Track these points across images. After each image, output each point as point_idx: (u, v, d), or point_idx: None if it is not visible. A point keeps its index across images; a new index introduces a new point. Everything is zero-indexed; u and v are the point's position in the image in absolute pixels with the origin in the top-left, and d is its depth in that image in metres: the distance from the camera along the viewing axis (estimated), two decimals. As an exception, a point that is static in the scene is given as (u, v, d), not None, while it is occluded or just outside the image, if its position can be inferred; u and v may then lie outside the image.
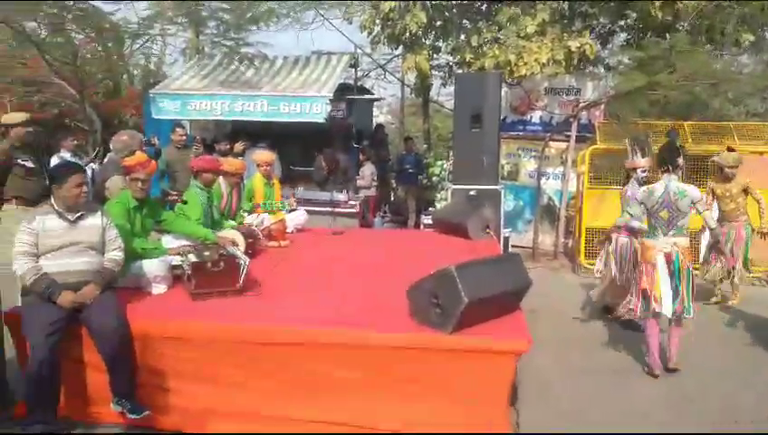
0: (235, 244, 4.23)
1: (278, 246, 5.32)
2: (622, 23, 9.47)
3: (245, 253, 4.13)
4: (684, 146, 5.13)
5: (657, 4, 7.11)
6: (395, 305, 3.39)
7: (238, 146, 7.74)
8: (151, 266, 3.81)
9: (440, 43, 9.03)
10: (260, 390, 3.22)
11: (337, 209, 7.74)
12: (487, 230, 5.84)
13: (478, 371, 3.02)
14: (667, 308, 4.41)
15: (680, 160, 4.68)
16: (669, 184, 4.56)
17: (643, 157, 5.30)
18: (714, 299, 6.33)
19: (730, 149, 6.21)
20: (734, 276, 6.14)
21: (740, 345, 5.20)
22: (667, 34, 8.39)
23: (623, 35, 9.99)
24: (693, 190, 4.56)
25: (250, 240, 4.75)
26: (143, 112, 11.00)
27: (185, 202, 4.64)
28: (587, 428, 3.58)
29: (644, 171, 5.30)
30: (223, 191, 5.36)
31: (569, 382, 4.36)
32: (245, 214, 5.78)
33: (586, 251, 8.01)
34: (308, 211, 6.73)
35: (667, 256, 4.51)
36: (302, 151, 9.91)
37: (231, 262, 3.74)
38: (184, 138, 7.26)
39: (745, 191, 6.12)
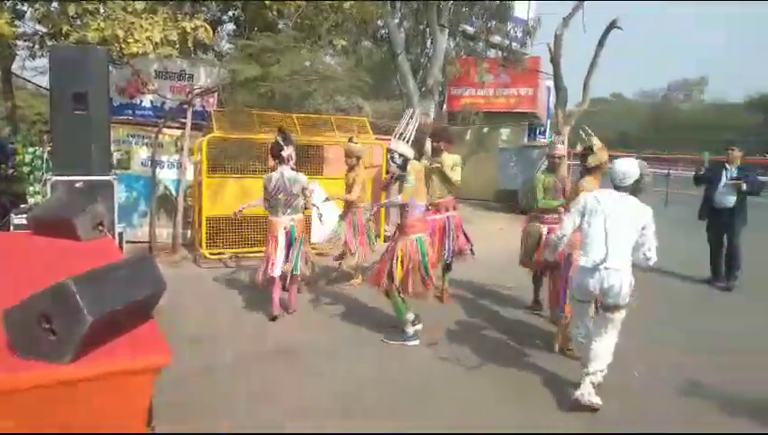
0: None
1: None
2: (231, 13, 9.58)
3: None
4: (289, 138, 5.70)
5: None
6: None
7: None
8: None
9: (25, 8, 7.48)
10: None
11: None
12: (100, 228, 5.11)
13: (110, 399, 2.54)
14: (276, 270, 5.47)
15: (284, 153, 5.48)
16: (284, 172, 5.44)
17: (290, 144, 5.63)
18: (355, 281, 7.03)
19: (351, 141, 6.91)
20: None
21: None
22: (271, 33, 8.83)
23: (231, 26, 10.14)
24: (302, 177, 5.54)
25: None
26: None
27: None
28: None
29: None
30: None
31: (206, 379, 4.19)
32: None
33: (207, 241, 7.90)
34: None
35: (287, 230, 5.50)
36: None
37: None
38: None
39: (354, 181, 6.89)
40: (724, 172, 7.26)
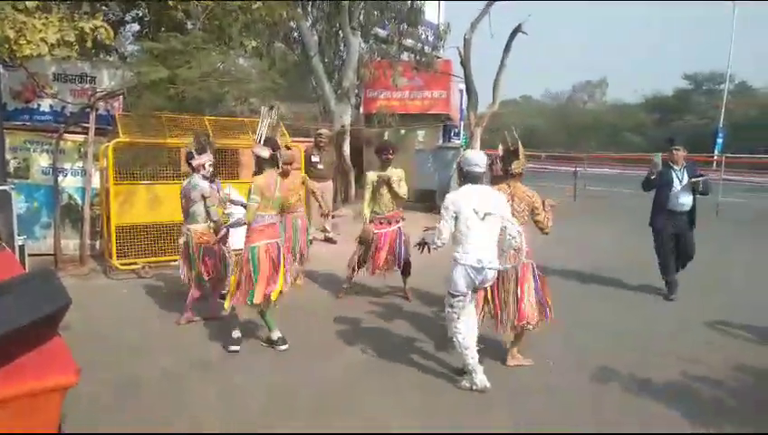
0: None
1: None
2: (134, 13, 9.19)
3: None
4: (204, 146, 5.66)
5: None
6: None
7: None
8: None
9: None
10: None
11: None
12: (-3, 241, 4.78)
13: (14, 423, 2.39)
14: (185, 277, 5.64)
15: (193, 162, 5.52)
16: (192, 178, 5.47)
17: (203, 153, 5.56)
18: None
19: (287, 148, 6.89)
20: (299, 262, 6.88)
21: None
22: (178, 34, 8.56)
23: (136, 26, 9.72)
24: (203, 185, 5.46)
25: None
26: None
27: None
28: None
29: (211, 165, 5.66)
30: None
31: (119, 395, 4.02)
32: None
33: (118, 251, 7.54)
34: None
35: (185, 239, 5.57)
36: None
37: None
38: None
39: (304, 183, 6.90)
40: (673, 174, 6.77)
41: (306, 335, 5.34)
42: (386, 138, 16.22)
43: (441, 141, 16.80)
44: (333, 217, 10.12)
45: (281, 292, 4.94)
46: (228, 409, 3.92)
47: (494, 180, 4.80)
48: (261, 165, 4.82)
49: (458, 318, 4.22)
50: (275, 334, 4.98)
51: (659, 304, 6.71)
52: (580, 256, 8.95)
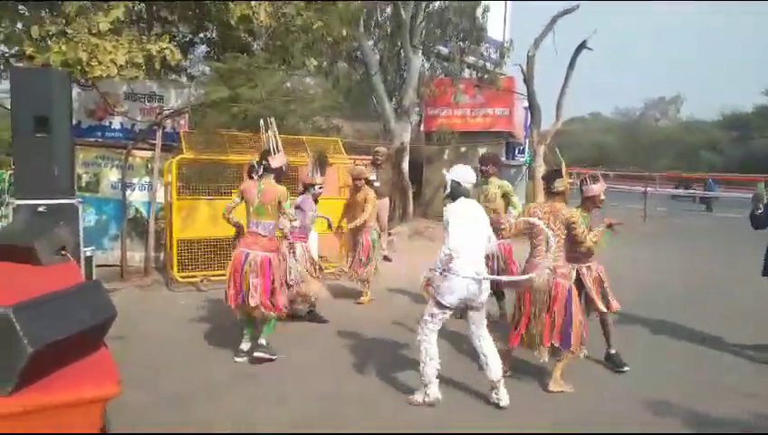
0: None
1: None
2: (202, 35, 9.57)
3: None
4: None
5: (236, 12, 7.27)
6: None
7: None
8: None
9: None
10: None
11: None
12: (63, 252, 4.99)
13: (54, 431, 2.44)
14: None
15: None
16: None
17: (322, 175, 5.81)
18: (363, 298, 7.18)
19: (357, 163, 7.04)
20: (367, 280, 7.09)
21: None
22: (245, 54, 8.83)
23: (204, 48, 10.12)
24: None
25: None
26: None
27: None
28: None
29: (321, 187, 5.96)
30: None
31: (170, 407, 4.08)
32: None
33: (179, 264, 7.77)
34: None
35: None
36: None
37: None
38: None
39: (366, 200, 6.94)
40: None
41: (347, 350, 5.33)
42: (446, 156, 16.16)
43: (504, 159, 16.52)
44: (390, 234, 10.10)
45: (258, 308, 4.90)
46: (273, 426, 3.91)
47: (548, 197, 4.75)
48: (264, 173, 5.00)
49: (433, 331, 4.25)
50: (245, 344, 5.06)
51: (724, 336, 6.13)
52: (640, 286, 8.34)
